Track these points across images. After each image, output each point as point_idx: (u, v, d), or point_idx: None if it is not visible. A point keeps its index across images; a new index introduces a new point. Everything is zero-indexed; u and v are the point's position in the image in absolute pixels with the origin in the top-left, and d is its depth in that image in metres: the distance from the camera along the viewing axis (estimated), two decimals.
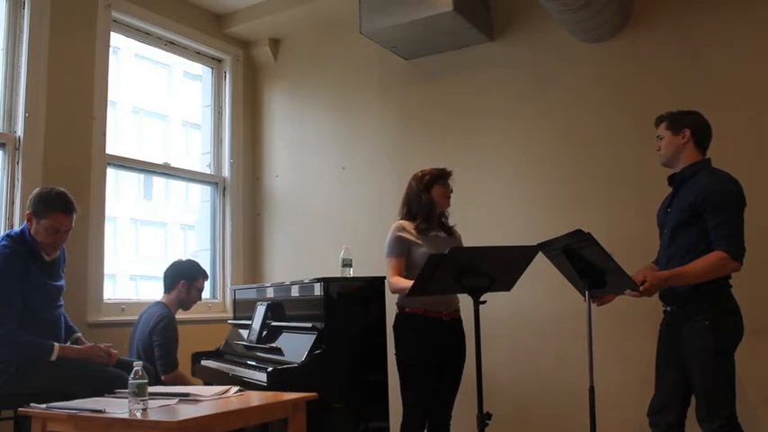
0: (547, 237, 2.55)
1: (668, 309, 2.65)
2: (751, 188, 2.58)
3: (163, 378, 3.35)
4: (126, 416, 2.09)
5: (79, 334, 3.10)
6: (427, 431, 3.11)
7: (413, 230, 3.09)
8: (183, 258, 3.70)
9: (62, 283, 2.99)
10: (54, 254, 2.92)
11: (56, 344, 2.79)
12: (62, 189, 2.92)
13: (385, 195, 4.15)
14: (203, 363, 3.68)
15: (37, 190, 2.91)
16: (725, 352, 2.47)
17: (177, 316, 3.54)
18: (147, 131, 16.02)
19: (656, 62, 3.50)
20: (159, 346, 3.34)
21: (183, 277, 3.54)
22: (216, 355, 3.76)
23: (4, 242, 2.78)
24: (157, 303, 3.52)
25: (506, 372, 3.74)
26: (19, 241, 2.80)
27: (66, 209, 2.86)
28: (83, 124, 3.80)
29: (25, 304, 2.75)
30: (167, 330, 3.37)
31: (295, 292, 3.45)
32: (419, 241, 3.06)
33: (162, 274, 3.63)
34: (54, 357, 2.75)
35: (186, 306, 3.58)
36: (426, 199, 3.11)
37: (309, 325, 3.17)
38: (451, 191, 3.16)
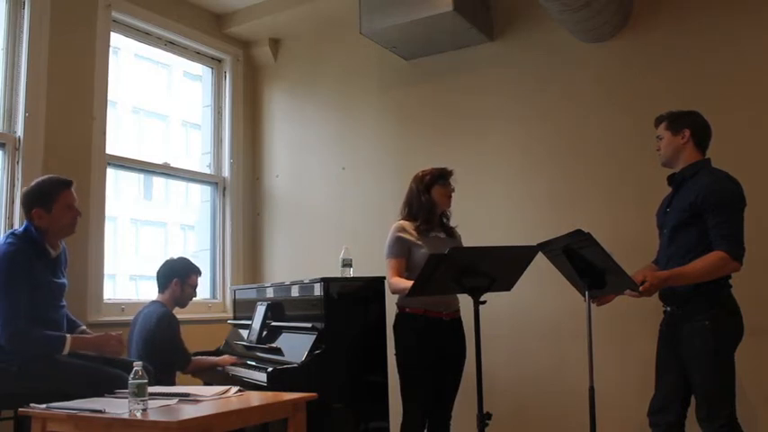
0: (547, 237, 2.55)
1: (668, 309, 2.65)
2: (751, 188, 2.58)
3: (184, 373, 3.44)
4: (126, 416, 2.09)
5: (84, 327, 3.10)
6: (427, 431, 3.11)
7: (413, 231, 3.08)
8: (175, 257, 3.69)
9: (65, 281, 2.99)
10: (70, 234, 2.94)
11: (67, 336, 2.79)
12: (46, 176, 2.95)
13: (385, 195, 4.15)
14: None
15: (26, 189, 2.90)
16: (725, 352, 2.47)
17: (177, 316, 3.53)
18: (147, 131, 16.03)
19: (656, 62, 3.50)
20: (170, 348, 3.35)
21: (176, 275, 3.54)
22: (216, 355, 3.76)
23: (9, 240, 2.79)
24: (154, 303, 3.52)
25: (506, 372, 3.73)
26: (24, 239, 2.80)
27: (67, 184, 2.90)
28: (83, 124, 3.80)
29: (30, 302, 2.75)
30: (171, 328, 3.38)
31: (295, 292, 3.45)
32: (419, 242, 3.06)
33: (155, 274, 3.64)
34: (66, 350, 2.75)
35: (182, 303, 3.57)
36: (427, 200, 3.11)
37: (309, 325, 3.17)
38: (453, 190, 3.16)
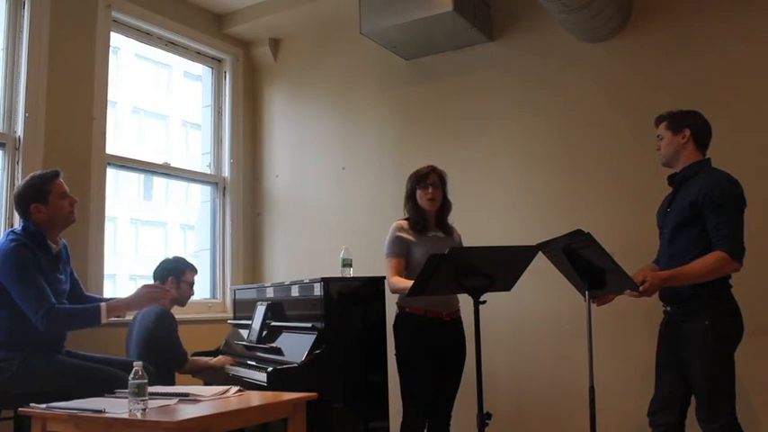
0: (546, 237, 2.55)
1: (668, 309, 2.65)
2: (751, 188, 2.58)
3: (180, 372, 3.44)
4: (126, 416, 2.09)
5: (110, 298, 3.09)
6: (427, 431, 3.11)
7: (411, 230, 3.09)
8: (170, 256, 3.69)
9: (66, 278, 2.98)
10: (71, 222, 2.94)
11: (101, 304, 2.80)
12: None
13: (385, 195, 4.15)
14: None
15: (17, 191, 2.90)
16: (725, 352, 2.47)
17: (177, 316, 3.53)
18: (147, 131, 16.04)
19: (656, 62, 3.50)
20: (168, 347, 3.35)
21: (171, 274, 3.53)
22: (215, 355, 3.76)
23: (10, 236, 2.79)
24: None
25: (506, 372, 3.74)
26: (24, 235, 2.80)
27: (56, 174, 2.91)
28: (83, 124, 3.80)
29: None
30: (168, 326, 3.38)
31: (295, 292, 3.45)
32: (417, 241, 3.06)
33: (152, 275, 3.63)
34: (103, 318, 2.75)
35: (180, 302, 3.57)
36: (413, 203, 3.14)
37: (309, 325, 3.17)
38: (434, 191, 3.10)
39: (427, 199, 3.10)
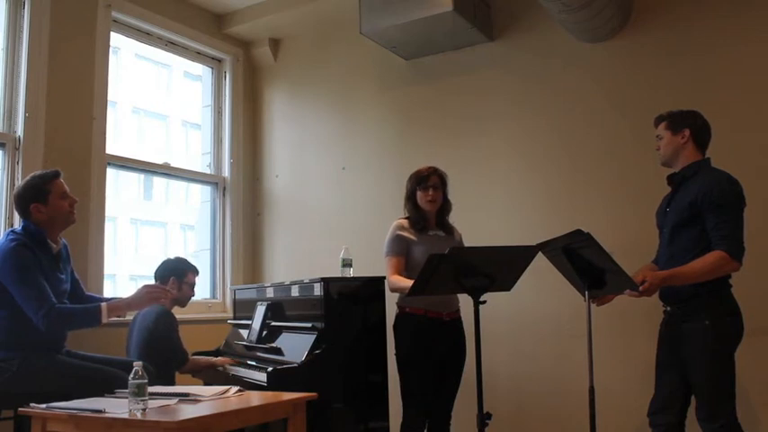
0: (546, 237, 2.55)
1: (668, 309, 2.65)
2: (751, 188, 2.58)
3: (180, 372, 3.45)
4: (126, 416, 2.09)
5: (111, 298, 3.10)
6: (427, 431, 3.11)
7: (411, 229, 3.09)
8: (172, 257, 3.69)
9: (67, 278, 2.98)
10: (71, 222, 2.94)
11: (102, 304, 2.80)
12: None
13: (385, 195, 4.15)
14: None
15: (17, 191, 2.90)
16: (725, 352, 2.47)
17: (177, 316, 3.53)
18: (147, 131, 16.05)
19: (656, 62, 3.50)
20: (168, 346, 3.35)
21: (173, 274, 3.54)
22: (216, 355, 3.76)
23: (11, 236, 2.79)
24: None
25: (506, 372, 3.74)
26: (24, 235, 2.81)
27: (56, 174, 2.91)
28: (83, 124, 3.80)
29: None
30: (169, 326, 3.38)
31: (295, 292, 3.45)
32: (418, 240, 3.06)
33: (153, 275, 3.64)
34: (104, 318, 2.75)
35: (181, 303, 3.57)
36: (413, 203, 3.14)
37: (309, 325, 3.17)
38: (435, 192, 3.10)
39: (427, 200, 3.11)
